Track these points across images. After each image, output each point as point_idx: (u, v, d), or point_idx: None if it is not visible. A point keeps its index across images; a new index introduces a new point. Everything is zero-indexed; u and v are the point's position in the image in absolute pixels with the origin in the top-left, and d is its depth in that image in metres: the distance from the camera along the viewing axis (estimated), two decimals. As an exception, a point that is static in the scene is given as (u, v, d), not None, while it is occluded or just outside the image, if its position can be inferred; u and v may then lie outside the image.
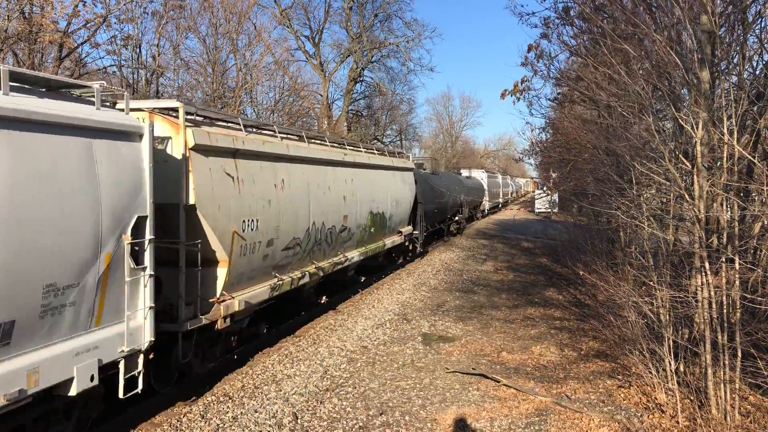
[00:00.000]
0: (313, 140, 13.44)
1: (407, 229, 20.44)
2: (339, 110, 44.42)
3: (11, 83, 5.58)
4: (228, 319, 9.10)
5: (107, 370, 6.61)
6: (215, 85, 25.80)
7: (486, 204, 45.61)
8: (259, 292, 10.09)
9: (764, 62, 8.26)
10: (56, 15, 18.02)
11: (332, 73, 44.26)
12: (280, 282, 10.84)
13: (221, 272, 8.95)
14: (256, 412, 8.21)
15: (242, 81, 27.12)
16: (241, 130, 10.15)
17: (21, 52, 18.11)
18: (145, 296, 6.99)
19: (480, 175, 46.26)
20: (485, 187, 45.11)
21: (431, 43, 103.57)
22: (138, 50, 24.34)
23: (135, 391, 6.94)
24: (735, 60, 8.52)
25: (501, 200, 59.19)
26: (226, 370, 10.00)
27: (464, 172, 43.96)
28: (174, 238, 8.14)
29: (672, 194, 8.13)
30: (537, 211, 50.07)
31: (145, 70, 24.61)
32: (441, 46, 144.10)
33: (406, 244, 20.97)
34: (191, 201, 8.20)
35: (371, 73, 46.84)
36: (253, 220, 9.67)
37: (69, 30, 19.11)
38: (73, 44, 19.71)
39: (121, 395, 6.79)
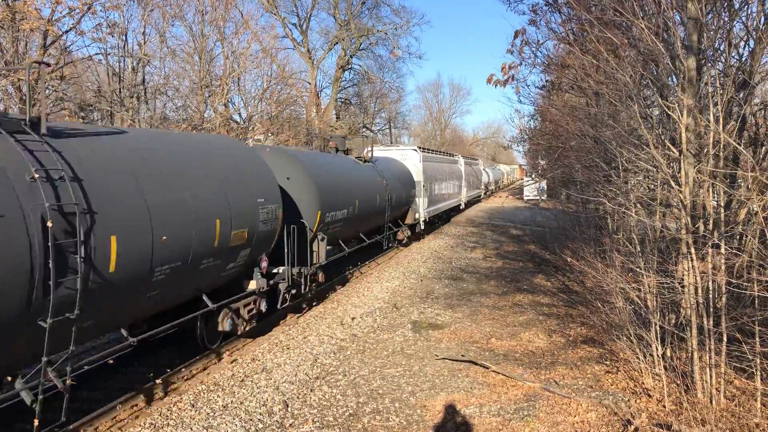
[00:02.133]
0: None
1: None
2: (327, 98, 44.31)
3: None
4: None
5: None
6: (202, 73, 25.58)
7: (422, 212, 25.26)
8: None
9: (750, 49, 8.29)
10: (39, 2, 17.76)
11: (320, 60, 44.15)
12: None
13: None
14: (246, 400, 8.22)
15: (229, 69, 26.91)
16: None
17: (4, 40, 17.82)
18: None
19: (410, 156, 25.84)
20: (418, 178, 25.00)
21: (420, 30, 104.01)
22: (124, 38, 24.05)
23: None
24: (721, 47, 8.54)
25: (464, 199, 37.51)
26: (215, 358, 10.01)
27: (379, 151, 25.11)
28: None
29: (659, 181, 8.19)
30: (526, 198, 50.36)
31: (131, 59, 24.33)
32: (430, 34, 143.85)
33: None
34: None
35: (360, 61, 46.83)
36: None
37: (53, 18, 18.84)
38: (58, 32, 19.45)
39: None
